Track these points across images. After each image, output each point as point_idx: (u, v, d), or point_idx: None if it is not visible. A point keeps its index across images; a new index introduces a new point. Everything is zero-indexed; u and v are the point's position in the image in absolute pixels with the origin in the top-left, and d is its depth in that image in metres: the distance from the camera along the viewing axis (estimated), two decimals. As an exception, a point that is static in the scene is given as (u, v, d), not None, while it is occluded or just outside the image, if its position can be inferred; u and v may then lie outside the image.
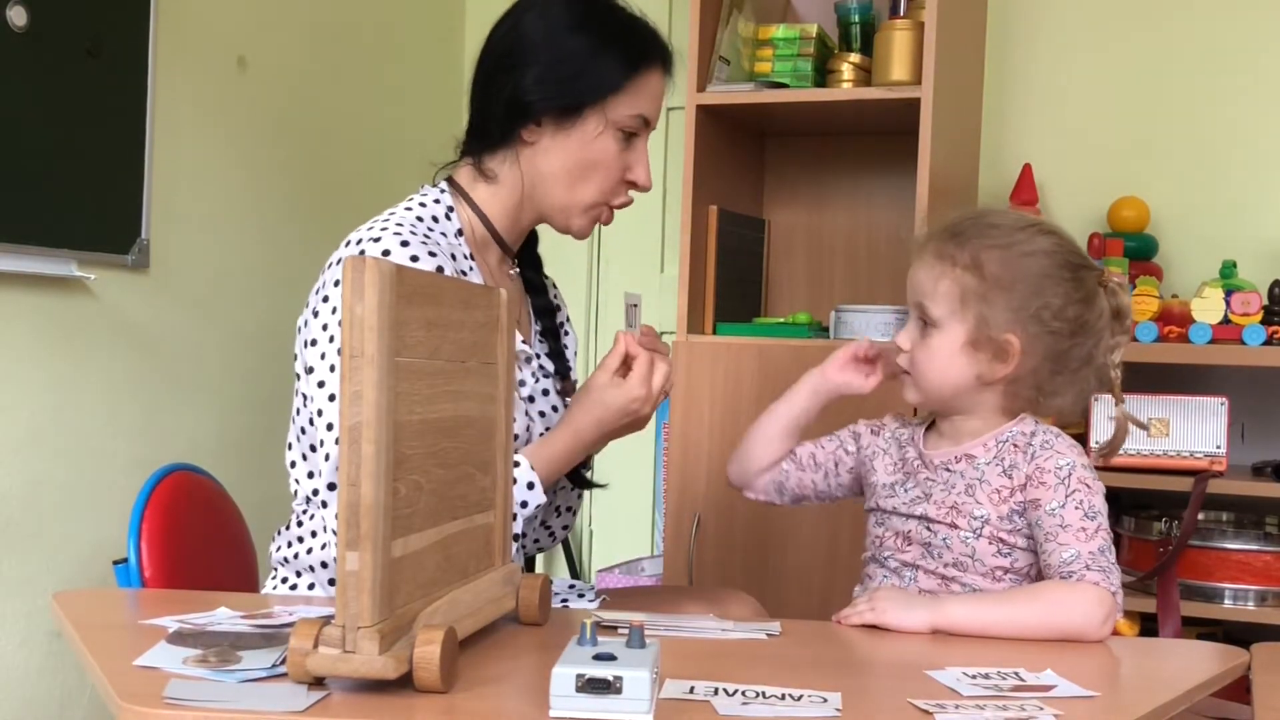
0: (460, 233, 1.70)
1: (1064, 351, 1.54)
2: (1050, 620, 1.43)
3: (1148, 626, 2.44)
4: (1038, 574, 1.53)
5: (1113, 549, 1.49)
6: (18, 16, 2.09)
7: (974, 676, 1.21)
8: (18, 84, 2.11)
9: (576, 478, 1.81)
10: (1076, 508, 1.48)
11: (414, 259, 1.56)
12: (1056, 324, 1.52)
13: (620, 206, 1.76)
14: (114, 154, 2.30)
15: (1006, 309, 1.52)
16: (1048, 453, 1.52)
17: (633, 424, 1.64)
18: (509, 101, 1.68)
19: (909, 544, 1.57)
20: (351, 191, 2.91)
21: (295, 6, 2.77)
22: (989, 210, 1.62)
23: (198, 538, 1.82)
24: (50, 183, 2.18)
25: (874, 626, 1.45)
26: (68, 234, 2.21)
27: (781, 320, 2.66)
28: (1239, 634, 2.31)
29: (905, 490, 1.60)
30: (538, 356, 1.78)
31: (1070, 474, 1.50)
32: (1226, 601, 2.43)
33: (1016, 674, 1.23)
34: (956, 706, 1.10)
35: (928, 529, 1.56)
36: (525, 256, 1.84)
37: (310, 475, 1.66)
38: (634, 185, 1.74)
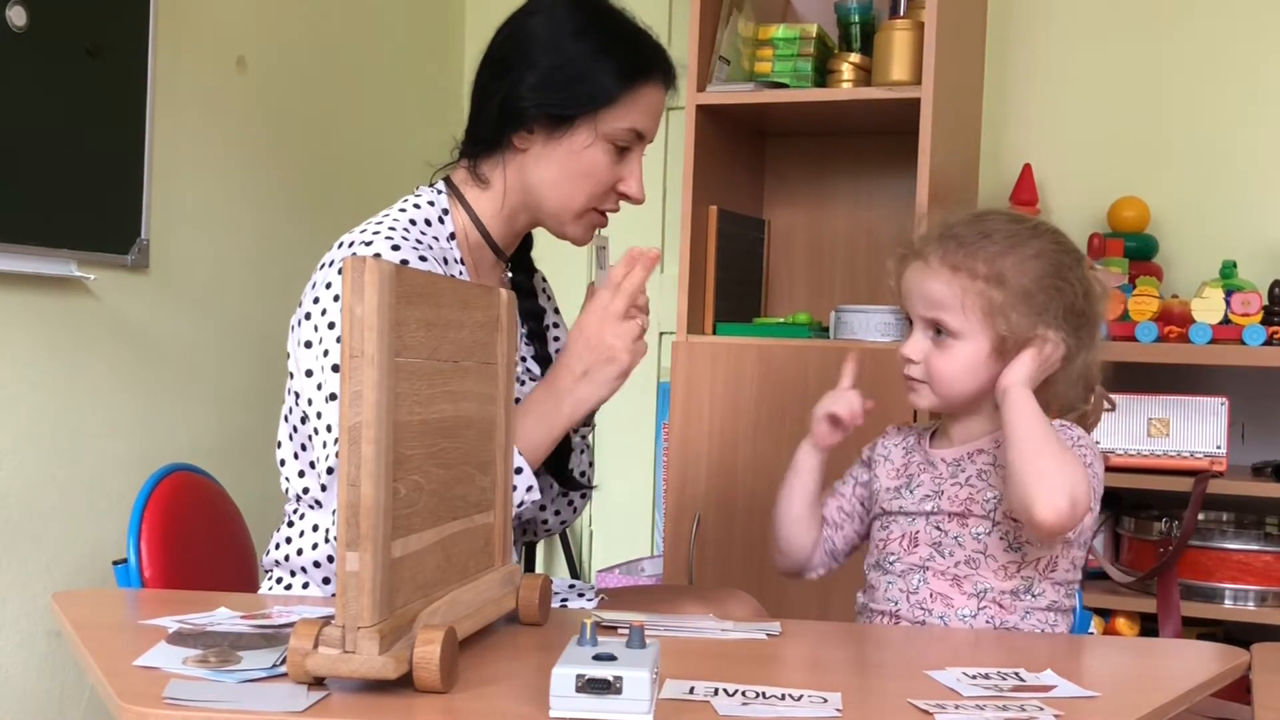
0: (453, 236, 1.70)
1: (1080, 341, 1.55)
2: (1059, 466, 1.42)
3: (1148, 626, 2.44)
4: (1049, 567, 1.53)
5: (1096, 507, 1.50)
6: (17, 16, 2.09)
7: (974, 677, 1.21)
8: (18, 84, 2.11)
9: (565, 480, 1.81)
10: (1081, 459, 1.49)
11: (404, 263, 1.56)
12: (1073, 319, 1.54)
13: (610, 211, 1.76)
14: (114, 154, 2.30)
15: (1029, 314, 1.52)
16: (1062, 430, 1.53)
17: (607, 359, 1.59)
18: (502, 106, 1.67)
19: (916, 545, 1.57)
20: (351, 191, 2.91)
21: (295, 6, 2.77)
22: (981, 213, 1.60)
23: (197, 538, 1.81)
24: (50, 183, 2.18)
25: (873, 624, 1.44)
26: (68, 234, 2.21)
27: (781, 320, 2.66)
28: (1239, 634, 2.31)
29: (912, 491, 1.59)
30: (524, 360, 1.78)
31: (1079, 439, 1.53)
32: (1226, 602, 2.43)
33: (1016, 674, 1.23)
34: (956, 707, 1.10)
35: (938, 528, 1.56)
36: (517, 259, 1.84)
37: (301, 474, 1.66)
38: (626, 197, 1.74)
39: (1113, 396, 1.65)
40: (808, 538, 1.69)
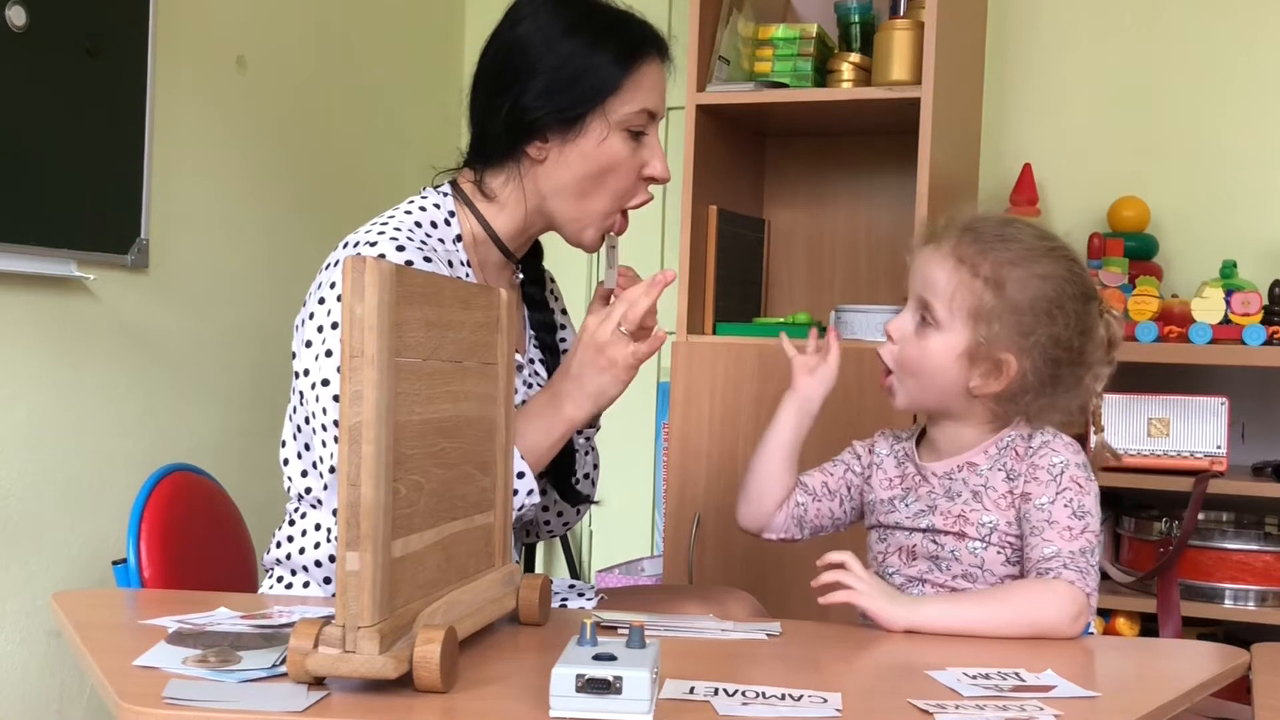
0: (459, 238, 1.70)
1: (1057, 377, 1.53)
2: (1023, 618, 1.42)
3: (1148, 626, 2.44)
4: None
5: (1096, 551, 1.48)
6: (17, 16, 2.09)
7: (974, 677, 1.21)
8: (18, 84, 2.11)
9: (568, 493, 1.81)
10: (1065, 505, 1.48)
11: (409, 264, 1.55)
12: (1056, 351, 1.52)
13: (640, 205, 1.75)
14: (114, 154, 2.30)
15: (1014, 330, 1.51)
16: (1044, 450, 1.52)
17: (606, 369, 1.58)
18: (510, 120, 1.66)
19: (914, 558, 1.57)
20: (351, 191, 2.91)
21: (295, 6, 2.77)
22: (1011, 219, 1.59)
23: (197, 538, 1.82)
24: (50, 183, 2.18)
25: (868, 624, 1.45)
26: (67, 234, 2.21)
27: (781, 320, 2.66)
28: (1239, 634, 2.31)
29: (907, 505, 1.59)
30: (531, 362, 1.78)
31: (1063, 472, 1.50)
32: (1226, 601, 2.43)
33: (1016, 674, 1.23)
34: (956, 707, 1.10)
35: (934, 542, 1.55)
36: (529, 271, 1.83)
37: (304, 474, 1.66)
38: (653, 179, 1.73)
39: (1115, 437, 1.64)
40: (777, 492, 1.70)
